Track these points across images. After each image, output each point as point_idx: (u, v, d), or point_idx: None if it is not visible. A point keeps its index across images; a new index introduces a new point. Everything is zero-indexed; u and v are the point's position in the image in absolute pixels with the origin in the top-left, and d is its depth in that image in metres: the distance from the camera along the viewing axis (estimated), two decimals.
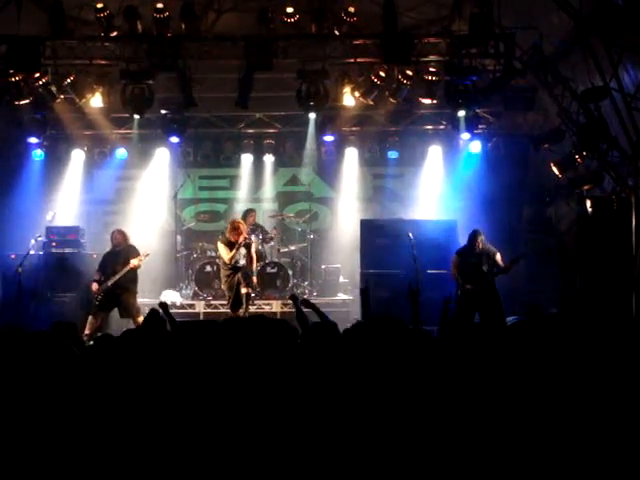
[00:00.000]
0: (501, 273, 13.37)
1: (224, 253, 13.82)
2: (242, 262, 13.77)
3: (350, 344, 4.76)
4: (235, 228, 13.71)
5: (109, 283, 13.45)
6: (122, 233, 13.96)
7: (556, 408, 3.99)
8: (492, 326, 4.84)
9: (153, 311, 7.55)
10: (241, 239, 13.62)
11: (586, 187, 14.84)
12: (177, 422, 3.96)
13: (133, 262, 13.61)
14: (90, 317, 13.43)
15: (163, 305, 8.98)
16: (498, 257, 13.40)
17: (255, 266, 14.47)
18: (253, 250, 14.19)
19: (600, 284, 13.29)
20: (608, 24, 12.91)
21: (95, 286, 13.53)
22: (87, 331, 13.03)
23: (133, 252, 13.73)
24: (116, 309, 13.77)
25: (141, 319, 13.32)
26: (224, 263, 13.89)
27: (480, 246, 13.39)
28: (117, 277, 13.49)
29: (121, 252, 13.71)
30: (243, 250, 13.80)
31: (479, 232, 13.49)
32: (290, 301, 14.26)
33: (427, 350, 4.62)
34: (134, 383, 4.38)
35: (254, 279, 14.46)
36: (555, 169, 15.43)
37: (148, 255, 14.18)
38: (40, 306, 15.00)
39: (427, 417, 3.90)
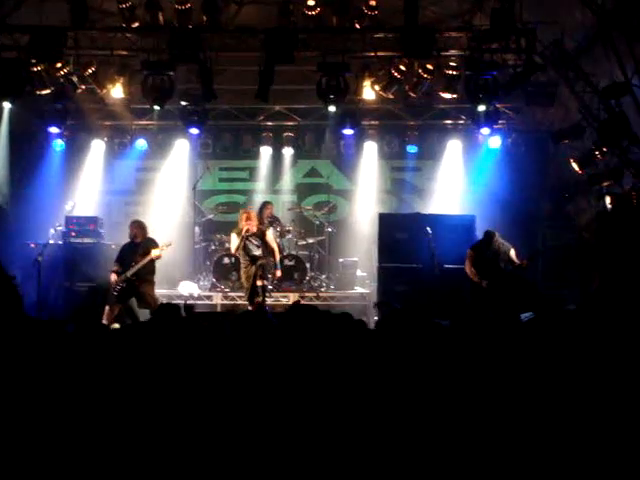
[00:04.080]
0: (517, 269, 13.34)
1: (232, 243, 13.87)
2: (257, 252, 13.69)
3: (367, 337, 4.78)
4: (244, 219, 13.72)
5: (128, 274, 13.36)
6: (141, 225, 13.87)
7: (568, 405, 3.99)
8: (505, 322, 4.84)
9: (163, 305, 7.53)
10: (248, 230, 13.61)
11: (606, 183, 14.79)
12: (186, 414, 3.98)
13: (155, 252, 13.52)
14: (107, 307, 13.41)
15: (188, 307, 9.05)
16: (512, 253, 13.38)
17: (278, 258, 14.39)
18: (271, 240, 14.11)
19: (619, 280, 13.24)
20: (631, 20, 12.85)
21: (114, 277, 13.40)
22: (105, 321, 13.03)
23: (152, 244, 13.68)
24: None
25: None
26: (243, 255, 13.89)
27: (495, 244, 13.38)
28: (137, 267, 13.41)
29: (140, 244, 13.62)
30: (256, 240, 13.75)
31: (494, 233, 13.48)
32: (307, 294, 14.29)
33: (440, 342, 4.63)
34: (143, 374, 4.40)
35: (278, 273, 14.39)
36: (575, 165, 15.39)
37: (170, 245, 14.10)
38: (59, 295, 15.10)
39: (434, 411, 3.91)
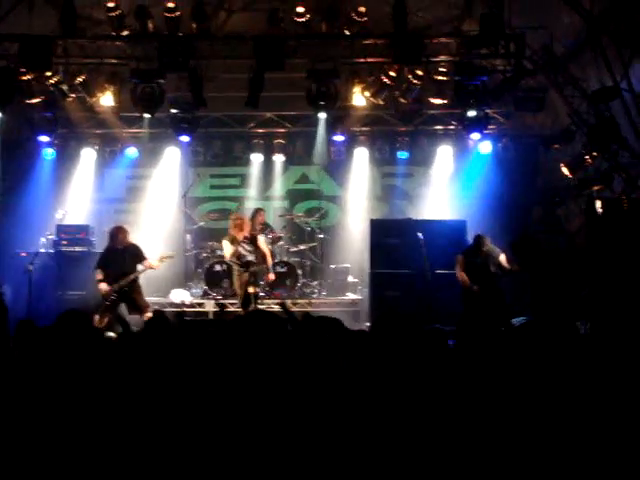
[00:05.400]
0: (507, 275, 13.35)
1: (226, 250, 13.83)
2: (250, 257, 13.68)
3: (354, 341, 4.77)
4: (236, 225, 13.69)
5: (122, 283, 13.29)
6: (125, 231, 13.65)
7: (557, 411, 3.99)
8: (498, 327, 4.85)
9: (157, 313, 7.51)
10: (240, 236, 13.58)
11: (596, 188, 14.84)
12: (181, 419, 3.97)
13: (154, 263, 13.43)
14: (97, 317, 13.22)
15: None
16: (502, 258, 13.34)
17: (270, 262, 14.36)
18: (263, 245, 14.09)
19: (610, 285, 13.26)
20: (619, 25, 12.91)
21: (104, 286, 13.17)
22: None
23: (138, 250, 13.57)
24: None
25: (149, 315, 13.19)
26: (234, 261, 13.87)
27: (485, 248, 13.36)
28: (132, 277, 13.22)
29: (125, 251, 13.41)
30: (248, 246, 13.73)
31: (483, 237, 13.45)
32: (299, 301, 14.28)
33: (438, 348, 4.63)
34: (137, 382, 4.40)
35: (271, 276, 14.34)
36: (565, 169, 15.42)
37: (172, 257, 14.16)
38: (50, 304, 15.04)
39: (430, 417, 3.91)
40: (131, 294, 13.33)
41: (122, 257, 13.36)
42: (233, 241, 13.62)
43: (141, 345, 5.19)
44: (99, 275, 13.33)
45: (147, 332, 6.03)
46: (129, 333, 6.46)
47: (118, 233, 13.53)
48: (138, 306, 13.26)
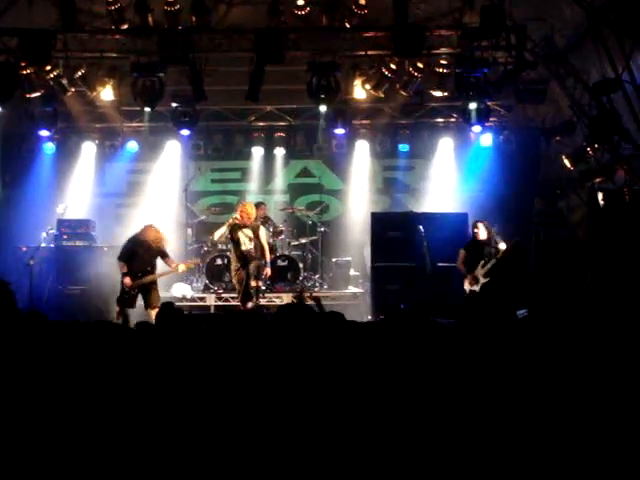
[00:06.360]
0: (499, 263, 13.38)
1: (218, 231, 13.88)
2: (248, 246, 13.56)
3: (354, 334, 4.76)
4: (241, 211, 13.51)
5: (145, 280, 13.10)
6: (161, 236, 13.49)
7: (558, 405, 3.97)
8: (502, 319, 4.84)
9: (166, 305, 7.46)
10: (243, 222, 13.48)
11: (598, 180, 14.80)
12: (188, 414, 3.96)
13: (182, 267, 13.69)
14: (119, 309, 13.14)
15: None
16: (502, 246, 13.36)
17: (269, 256, 14.27)
18: (263, 239, 13.98)
19: (611, 277, 13.24)
20: (620, 15, 12.87)
21: (129, 280, 13.00)
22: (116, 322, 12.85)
23: (164, 250, 13.42)
24: None
25: (154, 313, 13.11)
26: (234, 256, 13.79)
27: (480, 236, 13.39)
28: (157, 277, 13.30)
29: (156, 249, 13.33)
30: (250, 233, 13.63)
31: (477, 222, 13.52)
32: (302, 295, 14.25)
33: (441, 341, 4.62)
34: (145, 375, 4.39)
35: (267, 270, 14.23)
36: (566, 161, 15.40)
37: (199, 264, 15.23)
38: (51, 299, 15.04)
39: (434, 411, 3.90)
40: (151, 290, 13.26)
41: (148, 253, 13.23)
42: (233, 227, 13.53)
43: (155, 338, 5.19)
44: (124, 268, 13.18)
45: (159, 325, 6.03)
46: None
47: (159, 233, 13.43)
48: (155, 302, 13.09)
